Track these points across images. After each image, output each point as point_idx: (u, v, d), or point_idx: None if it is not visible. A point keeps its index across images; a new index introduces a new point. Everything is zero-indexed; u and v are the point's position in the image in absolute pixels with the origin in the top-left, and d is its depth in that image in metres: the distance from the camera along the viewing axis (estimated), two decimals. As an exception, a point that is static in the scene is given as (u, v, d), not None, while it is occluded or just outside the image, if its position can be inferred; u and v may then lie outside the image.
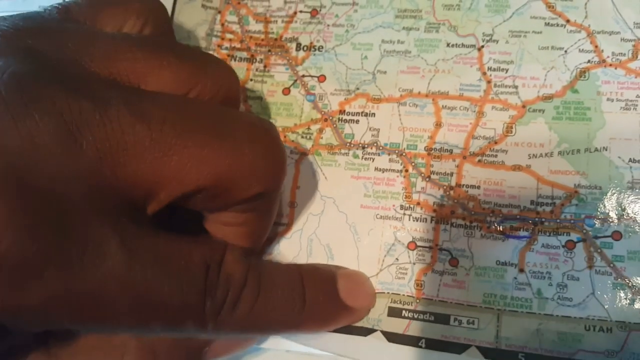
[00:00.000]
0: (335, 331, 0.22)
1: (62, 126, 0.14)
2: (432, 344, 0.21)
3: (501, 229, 0.22)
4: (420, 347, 0.21)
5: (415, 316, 0.22)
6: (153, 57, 0.18)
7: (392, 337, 0.21)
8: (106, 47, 0.17)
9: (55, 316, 0.14)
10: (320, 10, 0.27)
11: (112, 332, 0.16)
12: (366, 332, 0.22)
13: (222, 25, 0.28)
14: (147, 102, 0.16)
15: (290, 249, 0.24)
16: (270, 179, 0.18)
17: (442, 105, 0.24)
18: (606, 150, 0.22)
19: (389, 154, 0.24)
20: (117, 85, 0.17)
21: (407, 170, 0.24)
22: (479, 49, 0.24)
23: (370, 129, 0.25)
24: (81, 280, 0.14)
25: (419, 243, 0.23)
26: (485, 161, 0.23)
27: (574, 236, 0.21)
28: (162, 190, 0.16)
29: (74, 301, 0.14)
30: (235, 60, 0.27)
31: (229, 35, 0.27)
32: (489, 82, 0.24)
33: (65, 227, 0.14)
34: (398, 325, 0.21)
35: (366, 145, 0.24)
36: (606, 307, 0.20)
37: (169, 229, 0.17)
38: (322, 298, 0.20)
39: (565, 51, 0.23)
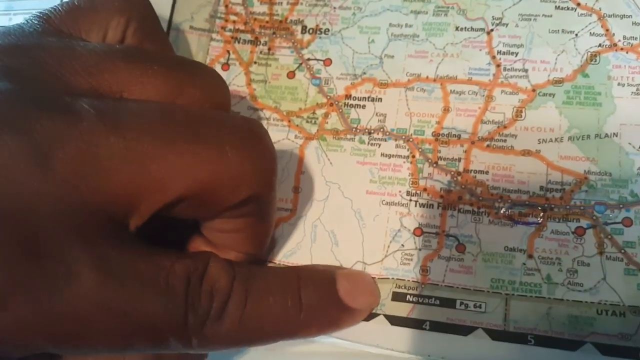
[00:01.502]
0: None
1: (31, 144, 0.14)
2: (437, 327, 0.21)
3: (510, 215, 0.22)
4: (425, 329, 0.21)
5: (420, 300, 0.21)
6: (136, 67, 0.17)
7: (395, 321, 0.21)
8: (86, 60, 0.17)
9: (32, 341, 0.14)
10: (326, -8, 0.26)
11: (94, 354, 0.16)
12: (368, 317, 0.21)
13: (226, 6, 0.27)
14: (122, 111, 0.16)
15: (294, 235, 0.23)
16: (258, 182, 0.17)
17: (451, 90, 0.24)
18: (616, 136, 0.21)
19: (395, 140, 0.24)
20: (93, 97, 0.16)
21: (413, 156, 0.23)
22: (488, 33, 0.24)
23: (376, 114, 0.24)
24: (52, 304, 0.14)
25: (425, 229, 0.22)
26: (494, 146, 0.22)
27: (583, 222, 0.21)
28: (143, 203, 0.15)
29: (48, 325, 0.14)
30: (239, 42, 0.27)
31: (232, 17, 0.27)
32: (498, 65, 0.23)
33: (32, 250, 0.13)
34: (402, 309, 0.21)
35: (372, 131, 0.24)
36: (618, 292, 0.20)
37: (160, 241, 0.17)
38: (321, 300, 0.19)
39: (576, 35, 0.23)
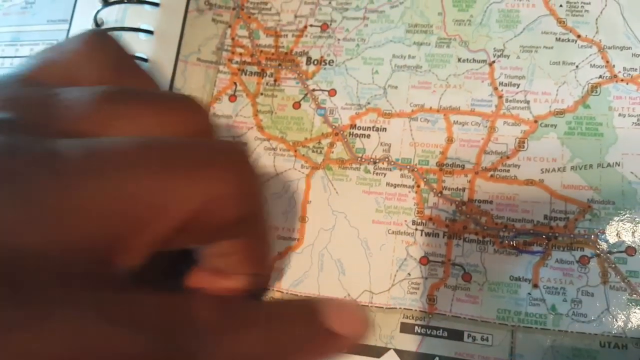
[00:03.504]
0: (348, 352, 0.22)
1: (8, 187, 0.14)
2: (446, 361, 0.21)
3: (514, 244, 0.22)
4: None
5: (428, 332, 0.21)
6: (115, 105, 0.18)
7: (405, 356, 0.21)
8: (66, 104, 0.17)
9: None
10: (330, 24, 0.27)
11: None
12: (379, 352, 0.22)
13: (233, 39, 0.28)
14: (101, 147, 0.16)
15: (301, 264, 0.24)
16: (250, 200, 0.18)
17: (454, 121, 0.24)
18: (619, 165, 0.22)
19: (400, 170, 0.24)
20: (74, 138, 0.16)
21: (418, 186, 0.24)
22: (490, 64, 0.24)
23: (381, 143, 0.25)
24: (31, 345, 0.14)
25: (431, 258, 0.23)
26: (498, 176, 0.23)
27: (588, 251, 0.21)
28: (135, 239, 0.16)
29: None
30: (245, 74, 0.27)
31: (239, 50, 0.28)
32: (500, 97, 0.24)
33: (12, 290, 0.14)
34: (411, 343, 0.21)
35: (377, 160, 0.24)
36: (621, 323, 0.20)
37: (158, 276, 0.17)
38: (305, 329, 0.20)
39: (577, 66, 0.23)
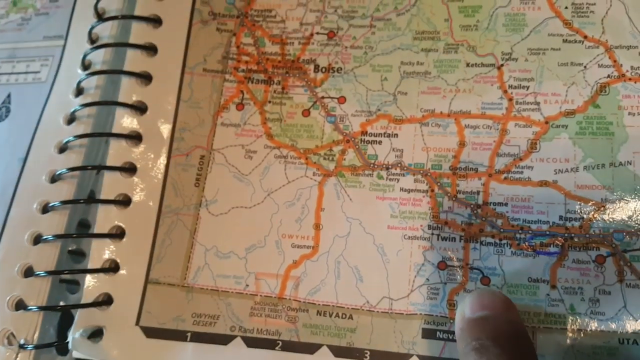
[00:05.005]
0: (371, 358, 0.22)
1: None
2: (470, 365, 0.21)
3: (531, 246, 0.22)
4: None
5: (450, 337, 0.22)
6: None
7: (429, 362, 0.21)
8: None
9: None
10: (337, 32, 0.27)
11: None
12: (401, 359, 0.22)
13: (238, 47, 0.28)
14: None
15: (318, 272, 0.24)
16: None
17: (465, 125, 0.24)
18: (630, 164, 0.22)
19: (413, 175, 0.24)
20: None
21: (432, 190, 0.24)
22: (499, 68, 0.24)
23: (393, 149, 0.25)
24: None
25: (449, 262, 0.23)
26: (512, 178, 0.23)
27: (603, 250, 0.21)
28: None
29: None
30: (252, 82, 0.27)
31: (245, 58, 0.27)
32: (510, 99, 0.24)
33: None
34: (433, 348, 0.21)
35: (390, 166, 0.24)
36: (639, 319, 0.20)
37: None
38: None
39: (585, 67, 0.24)
